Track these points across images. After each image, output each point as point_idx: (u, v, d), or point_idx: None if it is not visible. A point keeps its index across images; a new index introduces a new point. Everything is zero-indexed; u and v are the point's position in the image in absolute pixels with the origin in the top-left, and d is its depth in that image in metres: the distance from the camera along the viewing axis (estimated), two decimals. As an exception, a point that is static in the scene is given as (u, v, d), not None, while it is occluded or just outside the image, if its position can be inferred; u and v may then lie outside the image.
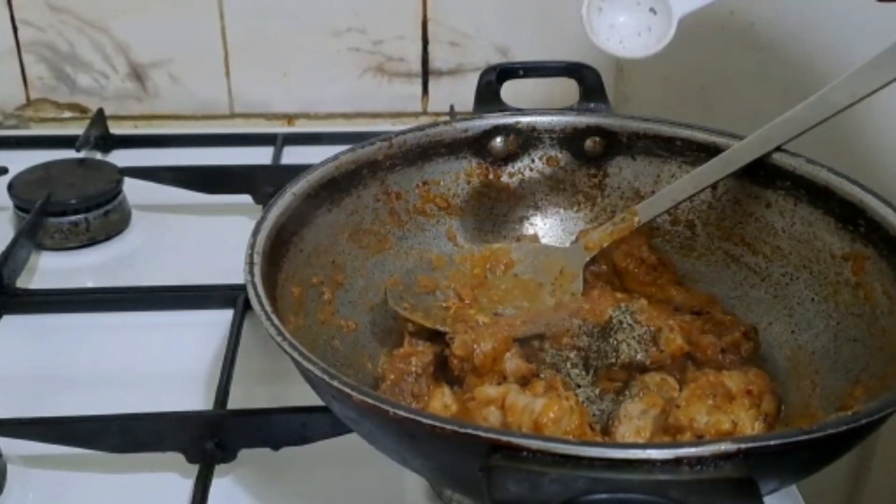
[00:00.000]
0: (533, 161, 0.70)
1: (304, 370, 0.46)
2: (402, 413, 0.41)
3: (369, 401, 0.42)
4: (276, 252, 0.56)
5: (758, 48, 0.90)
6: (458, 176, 0.69)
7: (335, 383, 0.44)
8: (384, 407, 0.42)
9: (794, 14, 0.87)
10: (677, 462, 0.37)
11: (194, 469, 0.57)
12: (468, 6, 1.02)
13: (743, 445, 0.38)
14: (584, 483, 0.36)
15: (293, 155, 0.96)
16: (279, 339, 0.47)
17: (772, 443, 0.39)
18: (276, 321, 0.48)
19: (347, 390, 0.43)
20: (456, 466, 0.44)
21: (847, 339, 0.56)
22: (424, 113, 1.07)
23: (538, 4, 1.01)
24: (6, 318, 0.72)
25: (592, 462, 0.37)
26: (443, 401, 0.54)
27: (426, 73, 1.05)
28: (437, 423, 0.40)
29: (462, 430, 0.40)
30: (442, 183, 0.68)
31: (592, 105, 0.71)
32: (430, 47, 1.04)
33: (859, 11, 0.76)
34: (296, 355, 0.46)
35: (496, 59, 1.01)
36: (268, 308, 0.49)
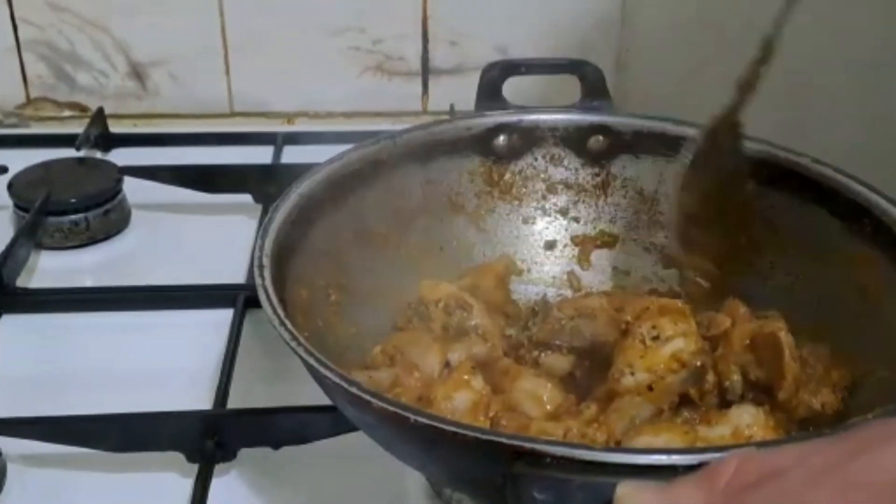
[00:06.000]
0: (536, 159, 0.70)
1: (321, 376, 0.45)
2: (423, 420, 0.41)
3: (389, 408, 0.42)
4: (283, 254, 0.55)
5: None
6: (461, 175, 0.69)
7: (353, 390, 0.43)
8: (405, 414, 0.41)
9: (799, 14, 0.87)
10: (701, 466, 0.37)
11: (194, 468, 0.57)
12: (468, 5, 1.02)
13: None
14: (612, 490, 0.36)
15: (293, 154, 0.96)
16: (293, 344, 0.46)
17: None
18: (290, 326, 0.47)
19: (367, 397, 0.42)
20: (476, 473, 0.43)
21: (854, 340, 0.55)
22: (424, 112, 1.07)
23: (537, 3, 1.01)
24: (6, 317, 0.72)
25: (617, 468, 0.37)
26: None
27: (426, 71, 1.05)
28: (459, 430, 0.40)
29: (484, 437, 0.40)
30: (445, 182, 0.68)
31: (595, 103, 0.71)
32: (430, 46, 1.04)
33: (861, 8, 0.76)
34: (312, 361, 0.45)
35: (496, 58, 1.00)
36: (280, 313, 0.48)
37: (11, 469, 0.58)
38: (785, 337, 0.53)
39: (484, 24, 1.02)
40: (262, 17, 1.01)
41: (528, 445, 0.38)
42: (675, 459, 0.38)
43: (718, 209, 0.63)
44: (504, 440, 0.39)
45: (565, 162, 0.70)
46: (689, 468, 0.37)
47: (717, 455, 0.37)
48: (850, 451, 0.31)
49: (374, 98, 1.06)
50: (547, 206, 0.70)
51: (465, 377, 0.52)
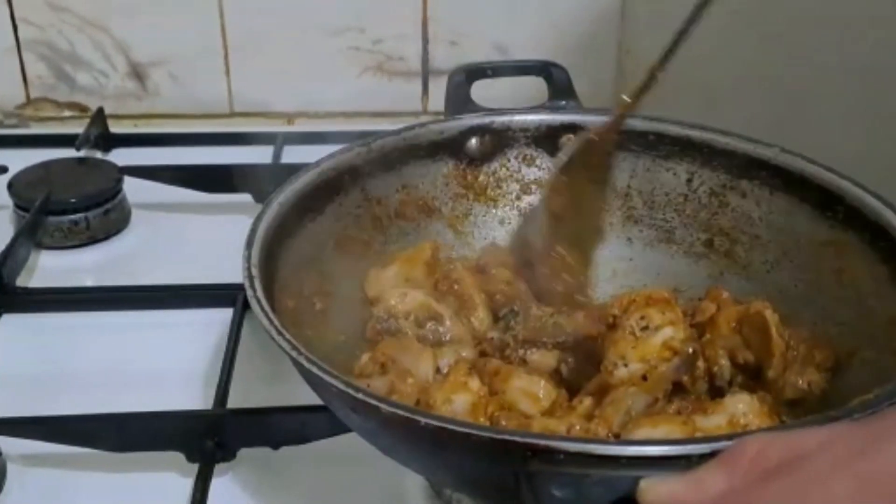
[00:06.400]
0: (509, 160, 0.70)
1: (326, 385, 0.45)
2: (434, 423, 0.41)
3: (400, 412, 0.42)
4: (269, 265, 0.55)
5: (762, 47, 0.89)
6: (436, 179, 0.69)
7: (360, 396, 0.43)
8: (415, 418, 0.41)
9: (798, 11, 0.87)
10: (714, 455, 0.37)
11: (194, 468, 0.57)
12: (468, 5, 1.02)
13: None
14: (628, 483, 0.36)
15: (293, 154, 0.96)
16: (294, 353, 0.46)
17: None
18: (289, 336, 0.47)
19: (375, 402, 0.42)
20: (487, 473, 0.43)
21: (834, 324, 0.56)
22: (424, 112, 1.07)
23: (537, 3, 1.01)
24: (6, 316, 0.72)
25: (632, 461, 0.37)
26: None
27: (426, 72, 1.05)
28: (473, 431, 0.40)
29: (499, 437, 0.40)
30: (421, 186, 0.68)
31: (563, 102, 0.72)
32: (430, 46, 1.04)
33: (861, 7, 0.76)
34: (315, 370, 0.45)
35: (496, 58, 1.01)
36: (277, 323, 0.48)
37: (11, 469, 0.58)
38: (771, 315, 0.55)
39: (484, 24, 1.02)
40: (262, 17, 1.01)
41: (543, 443, 0.39)
42: (690, 449, 0.38)
43: (577, 215, 0.65)
44: (519, 439, 0.39)
45: (538, 161, 0.70)
46: (703, 457, 0.37)
47: (729, 443, 0.38)
48: (870, 439, 0.32)
49: (374, 98, 1.06)
50: (522, 206, 0.71)
51: (463, 379, 0.52)
